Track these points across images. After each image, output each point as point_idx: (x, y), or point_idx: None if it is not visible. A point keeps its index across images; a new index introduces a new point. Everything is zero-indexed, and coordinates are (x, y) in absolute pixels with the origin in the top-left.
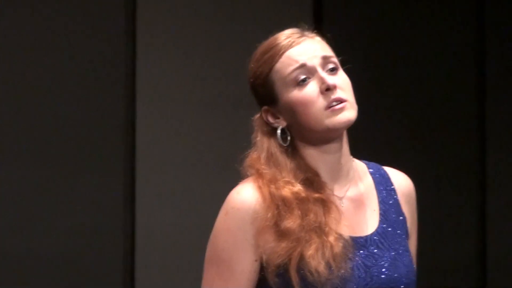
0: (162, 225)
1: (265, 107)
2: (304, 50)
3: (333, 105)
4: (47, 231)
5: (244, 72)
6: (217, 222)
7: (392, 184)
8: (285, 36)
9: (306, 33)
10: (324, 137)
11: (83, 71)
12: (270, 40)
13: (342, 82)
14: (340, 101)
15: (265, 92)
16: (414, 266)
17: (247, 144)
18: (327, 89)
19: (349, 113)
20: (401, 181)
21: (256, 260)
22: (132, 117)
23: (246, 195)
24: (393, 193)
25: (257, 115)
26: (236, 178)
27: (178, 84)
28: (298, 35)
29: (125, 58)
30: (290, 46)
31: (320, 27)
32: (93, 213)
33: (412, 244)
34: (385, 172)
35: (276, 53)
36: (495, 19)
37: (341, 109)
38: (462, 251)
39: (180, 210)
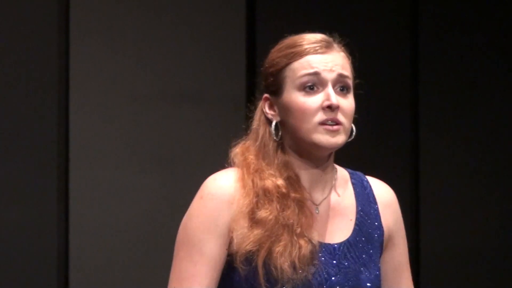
0: (96, 221)
1: (266, 95)
2: (324, 60)
3: (327, 124)
4: None
5: (179, 68)
6: (192, 206)
7: (373, 195)
8: (314, 40)
9: (335, 45)
10: (308, 149)
11: (15, 64)
12: (299, 37)
13: (346, 104)
14: (336, 122)
15: (273, 82)
16: (380, 282)
17: (181, 140)
18: (328, 107)
19: (339, 138)
20: (382, 192)
21: (226, 249)
22: (65, 112)
23: (223, 182)
24: (373, 205)
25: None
26: (170, 174)
27: (112, 78)
28: (326, 44)
29: (58, 52)
30: (314, 51)
31: (253, 27)
32: (26, 209)
33: (399, 253)
34: (367, 182)
35: (298, 52)
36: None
37: (333, 132)
38: None
39: (114, 206)
